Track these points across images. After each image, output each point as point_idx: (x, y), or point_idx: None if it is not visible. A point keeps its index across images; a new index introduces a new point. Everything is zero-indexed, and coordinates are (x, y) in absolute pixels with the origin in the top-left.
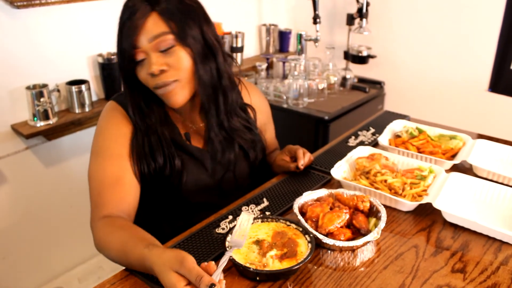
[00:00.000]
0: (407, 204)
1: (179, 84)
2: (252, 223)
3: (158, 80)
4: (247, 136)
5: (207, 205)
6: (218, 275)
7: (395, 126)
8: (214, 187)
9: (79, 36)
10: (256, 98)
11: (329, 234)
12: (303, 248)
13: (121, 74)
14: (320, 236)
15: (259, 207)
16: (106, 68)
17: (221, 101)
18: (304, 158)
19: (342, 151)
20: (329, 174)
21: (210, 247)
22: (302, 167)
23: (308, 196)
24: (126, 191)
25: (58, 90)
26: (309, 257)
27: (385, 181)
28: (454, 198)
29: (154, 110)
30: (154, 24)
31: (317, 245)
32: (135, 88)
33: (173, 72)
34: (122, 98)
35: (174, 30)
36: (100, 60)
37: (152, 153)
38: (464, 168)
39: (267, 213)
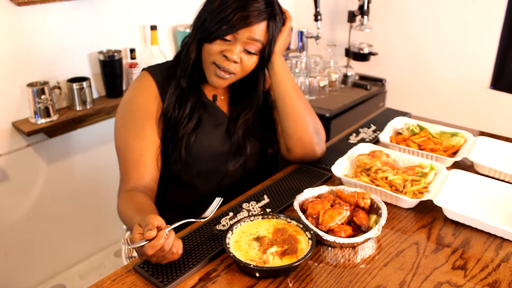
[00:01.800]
0: (408, 201)
1: (233, 77)
2: (252, 220)
3: (226, 64)
4: (264, 124)
5: (211, 176)
6: (165, 231)
7: (396, 123)
8: (220, 155)
9: (79, 33)
10: None
11: (329, 231)
12: (304, 245)
13: (197, 34)
14: (321, 233)
15: (260, 204)
16: (107, 65)
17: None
18: None
19: (343, 148)
20: (330, 171)
21: (211, 244)
22: None
23: (308, 193)
24: (148, 168)
25: (59, 88)
26: (310, 254)
27: (386, 178)
28: (455, 195)
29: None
30: (261, 30)
31: (318, 242)
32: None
33: (239, 68)
34: (154, 68)
35: (266, 43)
36: (101, 57)
37: (181, 100)
38: (465, 165)
39: (268, 210)
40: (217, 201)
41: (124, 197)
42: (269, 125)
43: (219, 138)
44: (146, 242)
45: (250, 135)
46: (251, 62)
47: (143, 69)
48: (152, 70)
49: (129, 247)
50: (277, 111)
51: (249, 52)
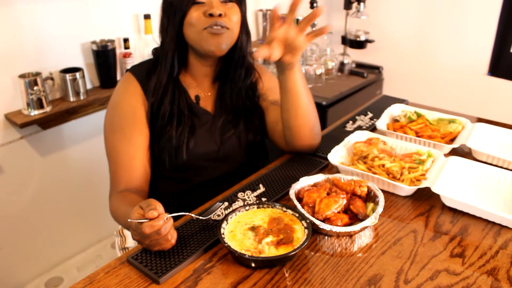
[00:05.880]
0: (405, 189)
1: (229, 33)
2: (248, 210)
3: (216, 20)
4: (250, 115)
5: (201, 172)
6: (166, 215)
7: (393, 111)
8: (208, 155)
9: (72, 23)
10: (267, 79)
11: (326, 220)
12: (300, 234)
13: (169, 20)
14: (317, 222)
15: (255, 193)
16: (100, 55)
17: (243, 73)
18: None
19: (339, 136)
20: (326, 159)
21: (206, 234)
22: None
23: (304, 182)
24: (138, 171)
25: (52, 79)
26: (306, 243)
27: (383, 165)
28: (453, 182)
29: (176, 71)
30: None
31: (314, 231)
32: (173, 36)
33: (228, 20)
34: (137, 68)
35: None
36: (94, 47)
37: (167, 103)
38: (463, 152)
39: (263, 199)
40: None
41: (116, 197)
42: (254, 114)
43: (205, 138)
44: (146, 221)
45: (237, 127)
46: (233, 11)
47: (127, 70)
48: (136, 70)
49: (129, 220)
50: (269, 104)
51: (227, 1)
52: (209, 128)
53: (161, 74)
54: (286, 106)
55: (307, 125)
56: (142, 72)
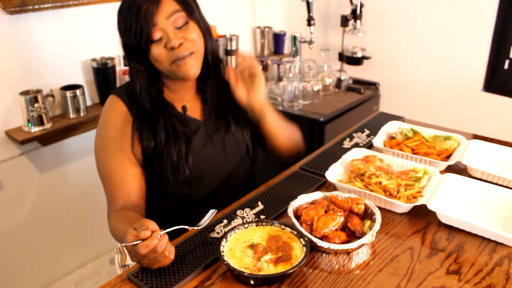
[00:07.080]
0: (401, 206)
1: (194, 56)
2: (247, 227)
3: (178, 53)
4: (237, 113)
5: (204, 184)
6: (159, 233)
7: (390, 128)
8: (203, 161)
9: (72, 41)
10: None
11: (324, 237)
12: (298, 251)
13: (131, 57)
14: (315, 240)
15: (254, 211)
16: (100, 72)
17: (221, 75)
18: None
19: (337, 153)
20: (324, 176)
21: (205, 252)
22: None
23: (303, 199)
24: (132, 186)
25: (52, 96)
26: (304, 261)
27: (380, 183)
28: (449, 199)
29: (156, 91)
30: (167, 3)
31: (312, 249)
32: (141, 70)
33: (189, 44)
34: (120, 90)
35: (184, 8)
36: (94, 64)
37: (154, 128)
38: (459, 169)
39: (262, 216)
40: (211, 212)
41: (115, 216)
42: (239, 107)
43: (201, 146)
44: (140, 242)
45: (230, 126)
46: (191, 31)
47: (110, 93)
48: (120, 93)
49: (122, 244)
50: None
51: (181, 26)
52: (203, 135)
53: (145, 105)
54: (267, 139)
55: (288, 144)
56: (125, 94)
